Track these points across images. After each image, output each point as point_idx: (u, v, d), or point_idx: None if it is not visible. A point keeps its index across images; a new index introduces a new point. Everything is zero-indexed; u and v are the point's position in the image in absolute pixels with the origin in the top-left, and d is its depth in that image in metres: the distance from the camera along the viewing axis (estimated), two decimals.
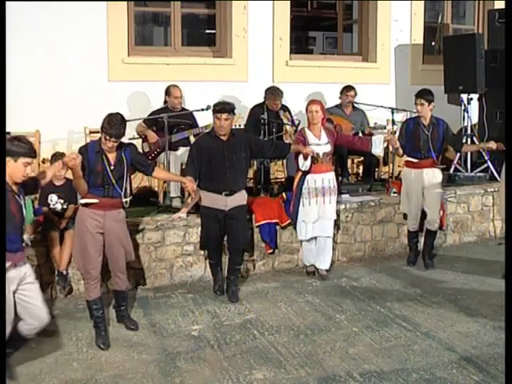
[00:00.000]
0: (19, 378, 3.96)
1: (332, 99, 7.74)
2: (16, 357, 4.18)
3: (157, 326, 4.87)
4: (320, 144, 5.73)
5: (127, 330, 4.75)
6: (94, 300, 4.58)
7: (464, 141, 7.80)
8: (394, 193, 6.90)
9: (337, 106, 7.65)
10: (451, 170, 7.78)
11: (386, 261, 6.59)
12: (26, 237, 3.91)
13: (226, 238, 5.43)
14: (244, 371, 4.08)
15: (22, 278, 3.83)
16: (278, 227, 6.18)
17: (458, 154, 7.77)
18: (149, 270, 5.74)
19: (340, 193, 6.37)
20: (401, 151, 6.10)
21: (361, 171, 7.96)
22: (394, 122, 7.21)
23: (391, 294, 5.52)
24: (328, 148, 5.76)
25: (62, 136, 6.93)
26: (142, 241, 5.69)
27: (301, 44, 12.67)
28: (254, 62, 7.81)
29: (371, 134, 7.49)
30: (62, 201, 5.41)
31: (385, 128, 7.67)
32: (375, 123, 7.82)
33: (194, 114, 6.65)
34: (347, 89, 7.57)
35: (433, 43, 9.55)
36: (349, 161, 7.68)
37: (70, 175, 5.43)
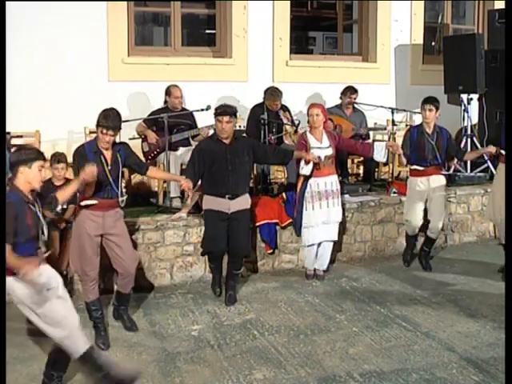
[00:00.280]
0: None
1: (332, 99, 7.71)
2: (16, 357, 4.18)
3: (157, 326, 4.87)
4: (322, 147, 5.72)
5: (127, 330, 4.74)
6: (92, 301, 4.57)
7: (464, 141, 7.80)
8: (394, 193, 6.90)
9: (337, 106, 7.59)
10: (451, 171, 7.77)
11: (385, 261, 6.59)
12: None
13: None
14: (244, 371, 4.08)
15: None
16: (277, 227, 6.18)
17: None
18: (149, 270, 5.74)
19: (340, 193, 6.35)
20: (404, 160, 6.03)
21: (361, 171, 7.96)
22: (394, 122, 7.19)
23: (391, 294, 5.52)
24: (330, 151, 5.75)
25: (62, 136, 6.92)
26: (142, 241, 5.69)
27: (301, 44, 12.66)
28: (254, 62, 7.81)
29: (367, 135, 7.49)
30: None
31: (385, 129, 7.67)
32: (375, 123, 7.81)
33: (194, 114, 6.66)
34: (351, 91, 7.46)
35: (433, 43, 9.55)
36: (349, 161, 7.67)
37: (70, 175, 5.46)
